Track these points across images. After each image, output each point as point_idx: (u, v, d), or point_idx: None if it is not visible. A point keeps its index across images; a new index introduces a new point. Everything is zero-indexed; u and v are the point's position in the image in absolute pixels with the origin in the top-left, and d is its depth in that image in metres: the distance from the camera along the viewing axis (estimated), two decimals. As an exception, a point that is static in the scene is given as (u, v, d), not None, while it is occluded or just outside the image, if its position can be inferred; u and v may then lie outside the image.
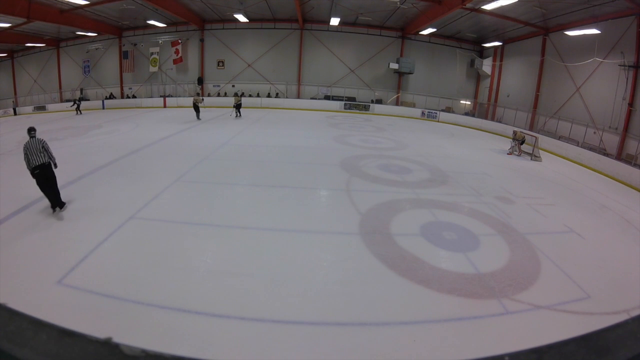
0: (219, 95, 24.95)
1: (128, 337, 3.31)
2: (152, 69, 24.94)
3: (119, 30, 24.60)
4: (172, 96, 24.59)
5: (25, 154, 5.67)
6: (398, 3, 17.94)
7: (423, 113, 23.16)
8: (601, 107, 15.03)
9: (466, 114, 23.03)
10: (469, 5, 15.11)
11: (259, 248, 5.10)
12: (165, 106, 23.75)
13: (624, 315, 4.06)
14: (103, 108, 24.21)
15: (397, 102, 24.96)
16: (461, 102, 24.60)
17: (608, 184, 10.93)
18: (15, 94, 27.75)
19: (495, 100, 23.17)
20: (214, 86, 25.33)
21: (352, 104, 23.88)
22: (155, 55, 24.57)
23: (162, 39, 24.24)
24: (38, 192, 6.76)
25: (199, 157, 9.93)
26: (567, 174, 11.46)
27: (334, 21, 21.09)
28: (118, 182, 7.75)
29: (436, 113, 22.82)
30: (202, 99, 18.69)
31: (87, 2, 17.21)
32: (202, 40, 24.55)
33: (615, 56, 14.22)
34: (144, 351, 0.45)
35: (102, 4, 18.21)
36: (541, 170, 11.43)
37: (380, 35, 24.11)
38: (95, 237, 5.12)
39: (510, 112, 20.29)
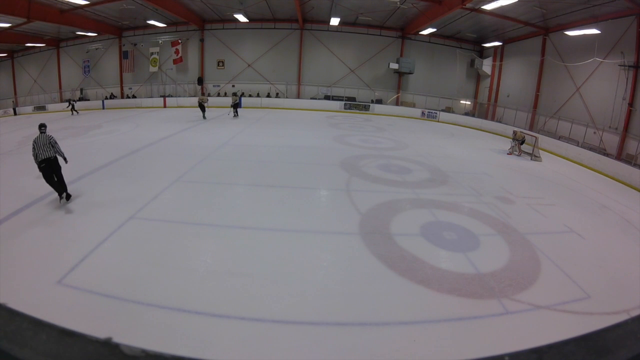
0: (218, 95, 24.96)
1: (128, 337, 3.31)
2: (152, 69, 24.94)
3: (119, 30, 24.60)
4: (172, 96, 24.59)
5: (34, 148, 5.99)
6: (398, 3, 17.94)
7: (423, 113, 23.16)
8: (601, 107, 15.03)
9: (466, 114, 23.02)
10: (469, 5, 15.11)
11: (259, 248, 5.10)
12: (165, 106, 23.75)
13: (624, 315, 4.06)
14: (103, 108, 24.21)
15: (397, 102, 24.97)
16: (461, 102, 24.60)
17: (608, 184, 10.93)
18: (15, 94, 27.76)
19: (495, 100, 23.17)
20: (214, 86, 25.33)
21: (352, 104, 23.88)
22: (155, 55, 24.57)
23: (162, 39, 24.24)
24: (38, 192, 6.77)
25: (199, 157, 9.93)
26: (567, 174, 11.46)
27: (334, 21, 21.09)
28: (118, 182, 7.75)
29: (436, 113, 22.82)
30: (207, 99, 18.79)
31: (87, 2, 17.21)
32: (202, 40, 24.55)
33: (615, 56, 14.22)
34: (144, 351, 0.45)
35: (102, 4, 18.21)
36: (541, 170, 11.43)
37: (380, 35, 24.11)
38: (95, 237, 5.12)
39: (510, 112, 20.29)
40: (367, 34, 24.05)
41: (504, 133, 18.04)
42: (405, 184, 8.36)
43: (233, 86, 25.10)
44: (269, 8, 21.03)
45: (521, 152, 13.40)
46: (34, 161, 6.06)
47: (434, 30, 21.41)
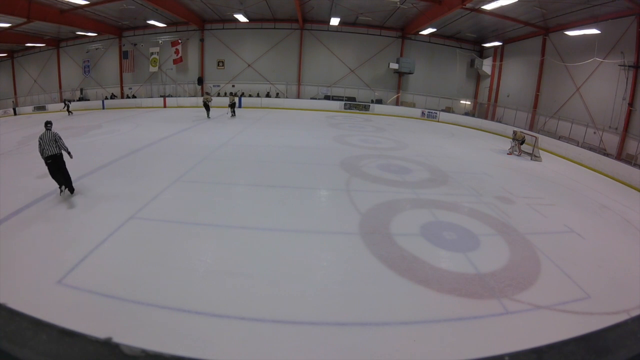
0: (218, 95, 24.96)
1: (128, 337, 3.31)
2: (152, 69, 24.94)
3: (119, 30, 24.60)
4: (172, 96, 24.59)
5: (40, 144, 6.37)
6: (398, 3, 17.94)
7: (423, 113, 23.16)
8: (601, 107, 15.03)
9: (466, 114, 23.02)
10: (469, 5, 15.11)
11: (259, 248, 5.10)
12: (165, 106, 23.75)
13: (624, 315, 4.06)
14: (103, 108, 24.22)
15: (397, 102, 24.97)
16: (461, 102, 24.60)
17: (608, 184, 10.93)
18: (15, 94, 27.76)
19: (495, 100, 23.17)
20: (214, 86, 25.32)
21: (352, 104, 23.89)
22: (155, 55, 24.57)
23: (162, 39, 24.24)
24: (38, 192, 6.79)
25: (199, 157, 9.93)
26: (567, 174, 11.46)
27: (334, 21, 21.09)
28: (118, 182, 7.75)
29: (436, 113, 22.82)
30: (212, 98, 18.87)
31: (87, 2, 17.21)
32: (202, 40, 24.55)
33: (615, 56, 14.22)
34: (144, 351, 0.45)
35: (102, 4, 18.21)
36: (541, 170, 11.43)
37: (380, 35, 24.11)
38: (96, 237, 5.12)
39: (510, 112, 20.29)
40: (367, 34, 24.05)
41: (504, 133, 18.04)
42: (405, 184, 8.36)
43: (233, 86, 25.11)
44: (269, 8, 21.03)
45: (521, 152, 13.40)
46: (40, 157, 6.41)
47: (434, 30, 21.42)
